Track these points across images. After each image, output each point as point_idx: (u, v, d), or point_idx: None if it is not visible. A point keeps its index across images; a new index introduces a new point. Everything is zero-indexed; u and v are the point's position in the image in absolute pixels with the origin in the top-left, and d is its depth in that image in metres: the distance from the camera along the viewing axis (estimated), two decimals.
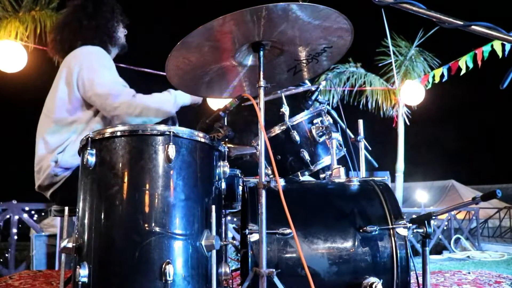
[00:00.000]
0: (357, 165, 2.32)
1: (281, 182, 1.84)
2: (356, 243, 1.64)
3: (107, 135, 1.46)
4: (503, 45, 6.37)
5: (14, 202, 4.86)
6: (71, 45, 2.24)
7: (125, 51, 2.50)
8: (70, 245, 1.44)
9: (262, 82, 1.62)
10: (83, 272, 1.37)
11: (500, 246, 7.26)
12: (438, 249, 6.71)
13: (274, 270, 1.47)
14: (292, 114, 2.15)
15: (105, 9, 2.32)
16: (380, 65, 10.16)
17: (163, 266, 1.34)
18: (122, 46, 2.44)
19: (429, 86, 8.72)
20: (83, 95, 2.09)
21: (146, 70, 6.97)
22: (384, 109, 10.21)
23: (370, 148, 2.56)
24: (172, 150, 1.42)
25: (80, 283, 1.36)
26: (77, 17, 2.28)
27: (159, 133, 1.45)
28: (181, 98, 2.20)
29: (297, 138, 2.07)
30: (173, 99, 2.17)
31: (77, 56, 2.16)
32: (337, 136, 2.08)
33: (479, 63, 6.84)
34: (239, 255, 2.06)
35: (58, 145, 2.06)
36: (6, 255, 4.85)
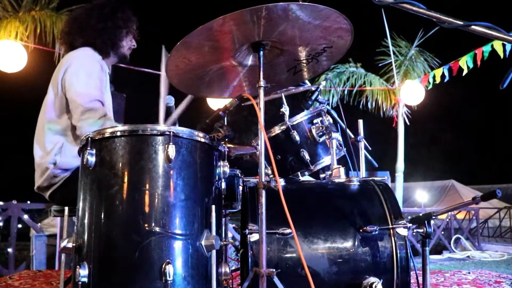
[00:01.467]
0: (357, 165, 2.32)
1: (281, 182, 1.84)
2: (356, 243, 1.64)
3: (107, 135, 1.46)
4: (503, 45, 6.36)
5: (14, 202, 4.86)
6: (73, 41, 2.25)
7: (124, 62, 2.47)
8: (70, 245, 1.44)
9: (262, 82, 1.62)
10: (83, 272, 1.37)
11: (500, 246, 7.25)
12: (438, 249, 6.71)
13: (274, 270, 1.47)
14: (292, 114, 2.15)
15: (120, 16, 2.30)
16: (380, 65, 10.15)
17: (163, 266, 1.34)
18: (123, 56, 2.40)
19: (430, 86, 8.71)
20: (66, 96, 2.09)
21: (146, 70, 6.97)
22: (384, 109, 10.19)
23: (370, 148, 2.56)
24: (172, 150, 1.42)
25: (80, 283, 1.36)
26: (89, 15, 2.27)
27: (159, 133, 1.45)
28: None
29: (297, 138, 2.07)
30: None
31: (70, 58, 2.16)
32: (337, 136, 2.08)
33: (479, 63, 6.84)
34: (239, 255, 2.06)
35: (53, 147, 2.06)
36: (6, 255, 4.85)
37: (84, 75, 2.08)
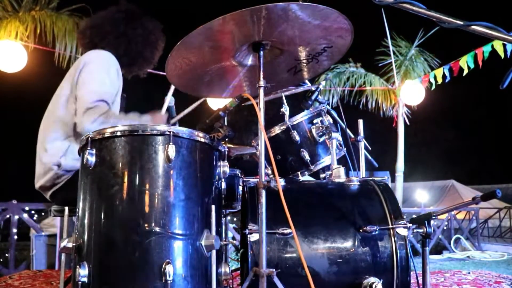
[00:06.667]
0: (357, 165, 2.32)
1: (281, 182, 1.84)
2: (356, 243, 1.64)
3: (107, 135, 1.46)
4: (504, 45, 6.35)
5: (14, 202, 4.85)
6: (94, 47, 2.25)
7: (140, 74, 2.48)
8: (70, 245, 1.44)
9: (262, 82, 1.62)
10: (83, 272, 1.37)
11: (500, 246, 7.24)
12: (438, 249, 6.70)
13: (274, 270, 1.47)
14: (292, 114, 2.15)
15: (148, 28, 2.32)
16: (380, 65, 10.13)
17: (163, 266, 1.34)
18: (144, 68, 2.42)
19: (433, 87, 8.66)
20: (76, 93, 2.07)
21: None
22: (384, 109, 10.18)
23: (370, 148, 2.56)
24: (172, 150, 1.42)
25: (80, 283, 1.36)
26: (115, 25, 2.26)
27: (159, 133, 1.45)
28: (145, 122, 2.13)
29: (297, 138, 2.07)
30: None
31: (89, 56, 2.15)
32: (337, 136, 2.08)
33: (480, 63, 6.83)
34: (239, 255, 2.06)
35: (59, 148, 2.05)
36: (6, 255, 4.85)
37: (102, 73, 2.07)
